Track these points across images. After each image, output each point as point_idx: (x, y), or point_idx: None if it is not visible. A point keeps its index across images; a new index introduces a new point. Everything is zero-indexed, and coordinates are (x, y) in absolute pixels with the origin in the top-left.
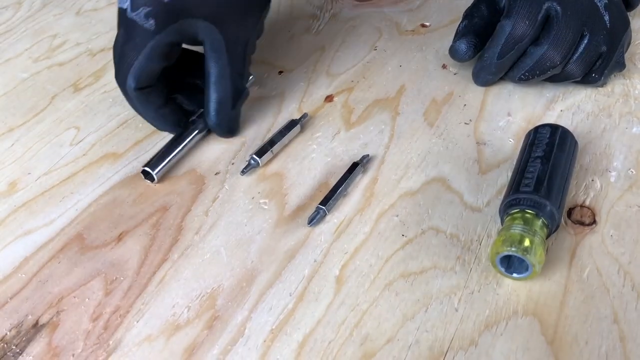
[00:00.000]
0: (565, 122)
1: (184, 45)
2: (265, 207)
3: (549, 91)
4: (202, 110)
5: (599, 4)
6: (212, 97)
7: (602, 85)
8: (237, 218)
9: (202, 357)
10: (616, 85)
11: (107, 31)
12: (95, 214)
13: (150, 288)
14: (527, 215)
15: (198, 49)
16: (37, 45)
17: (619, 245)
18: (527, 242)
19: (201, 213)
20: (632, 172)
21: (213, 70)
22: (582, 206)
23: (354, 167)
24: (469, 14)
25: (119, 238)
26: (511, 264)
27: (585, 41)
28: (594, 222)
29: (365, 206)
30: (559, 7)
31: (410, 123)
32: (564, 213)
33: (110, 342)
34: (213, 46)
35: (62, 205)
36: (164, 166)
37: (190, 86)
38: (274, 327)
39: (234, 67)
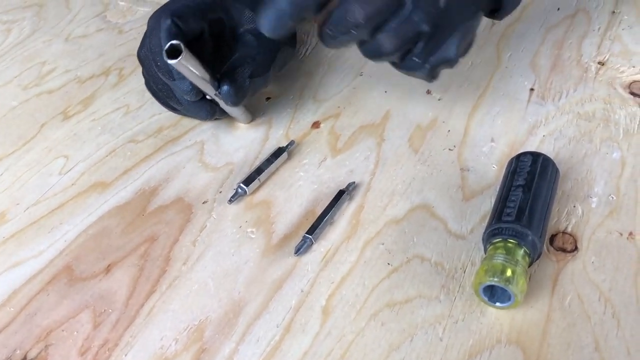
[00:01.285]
0: (547, 148)
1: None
2: (253, 236)
3: (531, 116)
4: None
5: None
6: (242, 54)
7: (428, 79)
8: (225, 248)
9: None
10: (597, 111)
11: (96, 58)
12: (84, 245)
13: (139, 320)
14: (509, 244)
15: None
16: (27, 73)
17: (600, 272)
18: (509, 272)
19: (189, 243)
20: (612, 197)
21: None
22: (564, 233)
23: (340, 194)
24: None
25: (108, 269)
26: (494, 293)
27: (403, 10)
28: (576, 248)
29: (351, 234)
30: None
31: (396, 149)
32: (546, 240)
33: None
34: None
35: (50, 236)
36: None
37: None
38: (261, 359)
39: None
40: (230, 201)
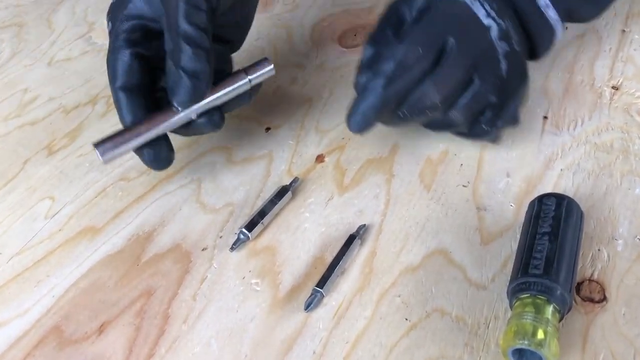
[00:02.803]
0: (566, 183)
1: None
2: (258, 288)
3: (547, 147)
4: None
5: (498, 49)
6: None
7: (494, 141)
8: (228, 303)
9: None
10: (615, 141)
11: (82, 84)
12: (74, 301)
13: None
14: (538, 301)
15: None
16: (7, 102)
17: (633, 324)
18: (540, 335)
19: (189, 297)
20: (638, 239)
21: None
22: (590, 280)
23: (350, 240)
24: (373, 40)
25: (101, 329)
26: (523, 354)
27: (474, 87)
28: (604, 298)
29: (364, 285)
30: (454, 42)
31: (406, 186)
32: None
33: None
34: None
35: (37, 291)
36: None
37: None
38: None
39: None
40: (232, 248)
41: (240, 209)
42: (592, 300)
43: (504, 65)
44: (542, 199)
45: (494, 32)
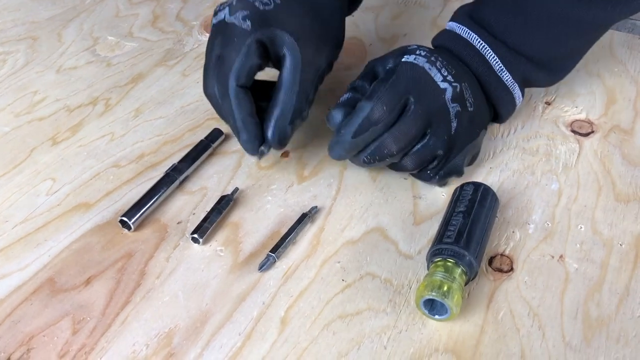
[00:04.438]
0: (493, 179)
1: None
2: (222, 254)
3: (481, 150)
4: (174, 164)
5: (451, 109)
6: (277, 107)
7: (440, 185)
8: (195, 264)
9: None
10: (540, 146)
11: (85, 88)
12: (66, 260)
13: (114, 327)
14: (448, 263)
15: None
16: (19, 101)
17: (531, 290)
18: (445, 288)
19: (163, 259)
20: (548, 224)
21: (285, 83)
22: (502, 255)
23: (302, 217)
24: (353, 88)
25: (87, 282)
26: (434, 307)
27: (425, 140)
28: (512, 269)
29: (311, 253)
30: (413, 102)
31: (356, 177)
32: (486, 261)
33: None
34: (293, 62)
35: (36, 251)
36: (140, 216)
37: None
38: None
39: (302, 87)
40: (195, 239)
41: (213, 192)
42: (501, 271)
43: (454, 124)
44: (463, 186)
45: (449, 94)
